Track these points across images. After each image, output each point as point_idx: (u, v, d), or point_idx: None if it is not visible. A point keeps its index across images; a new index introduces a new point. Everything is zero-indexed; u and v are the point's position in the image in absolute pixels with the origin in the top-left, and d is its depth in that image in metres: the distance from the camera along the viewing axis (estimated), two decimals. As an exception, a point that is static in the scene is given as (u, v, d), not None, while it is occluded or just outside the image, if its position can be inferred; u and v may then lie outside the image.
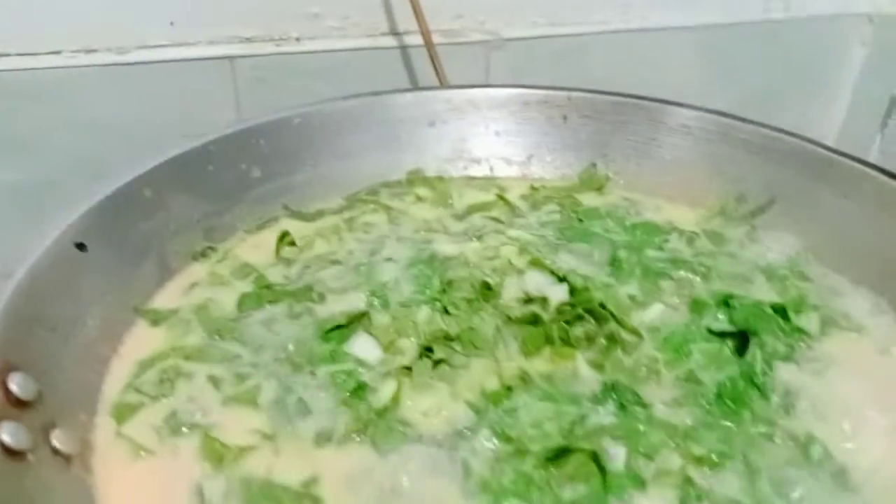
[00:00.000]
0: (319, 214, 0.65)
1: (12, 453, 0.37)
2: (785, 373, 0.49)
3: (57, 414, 0.41)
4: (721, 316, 0.53)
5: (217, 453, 0.43)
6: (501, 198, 0.69)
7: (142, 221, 0.55)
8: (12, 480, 0.37)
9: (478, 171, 0.73)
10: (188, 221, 0.58)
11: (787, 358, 0.50)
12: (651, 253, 0.61)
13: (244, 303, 0.55)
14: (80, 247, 0.48)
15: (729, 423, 0.46)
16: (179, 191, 0.57)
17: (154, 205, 0.55)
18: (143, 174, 0.54)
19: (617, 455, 0.43)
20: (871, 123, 1.06)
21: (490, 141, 0.73)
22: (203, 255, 0.59)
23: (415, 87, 0.87)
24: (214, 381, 0.48)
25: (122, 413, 0.46)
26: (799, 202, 0.64)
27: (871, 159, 0.62)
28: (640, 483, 0.43)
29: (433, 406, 0.47)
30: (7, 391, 0.39)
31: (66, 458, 0.40)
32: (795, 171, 0.63)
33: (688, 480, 0.43)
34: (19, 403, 0.39)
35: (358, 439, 0.45)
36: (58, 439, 0.40)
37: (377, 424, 0.46)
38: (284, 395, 0.47)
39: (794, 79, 1.02)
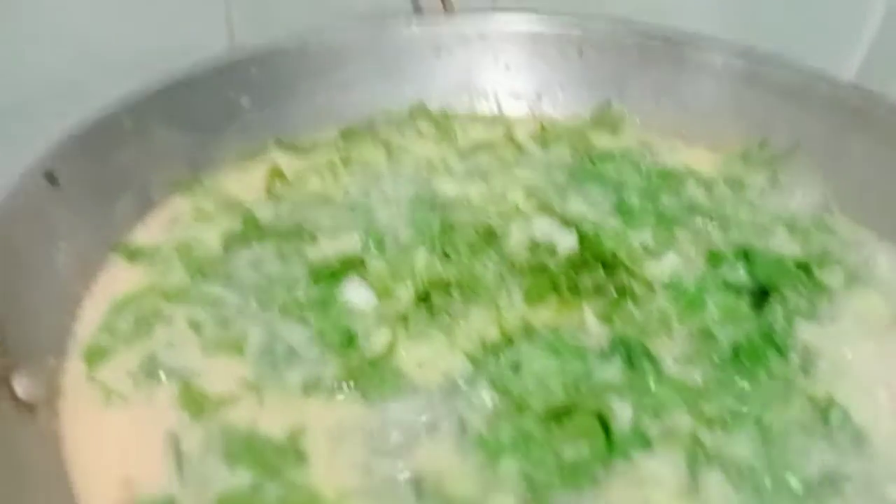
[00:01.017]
0: (312, 147, 0.61)
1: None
2: (805, 331, 0.45)
3: (22, 358, 0.38)
4: (740, 269, 0.50)
5: (196, 402, 0.41)
6: (509, 136, 0.65)
7: (121, 153, 0.50)
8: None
9: (484, 106, 0.68)
10: (171, 152, 0.54)
11: (808, 315, 0.47)
12: (666, 199, 0.57)
13: (230, 241, 0.51)
14: (51, 179, 0.45)
15: (743, 383, 0.43)
16: (163, 121, 0.53)
17: (135, 136, 0.51)
18: (124, 103, 0.50)
19: (623, 414, 0.41)
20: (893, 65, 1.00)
21: (499, 74, 0.68)
22: (187, 187, 0.55)
23: (417, 7, 0.81)
24: (196, 326, 0.45)
25: (95, 356, 0.43)
26: (826, 150, 0.59)
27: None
28: (645, 443, 0.40)
29: (429, 356, 0.45)
30: (-37, 336, 0.36)
31: (30, 408, 0.38)
32: (826, 117, 0.59)
33: (697, 442, 0.40)
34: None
35: (348, 389, 0.42)
36: (21, 386, 0.37)
37: (369, 374, 0.43)
38: (271, 342, 0.44)
39: (817, 14, 0.96)
